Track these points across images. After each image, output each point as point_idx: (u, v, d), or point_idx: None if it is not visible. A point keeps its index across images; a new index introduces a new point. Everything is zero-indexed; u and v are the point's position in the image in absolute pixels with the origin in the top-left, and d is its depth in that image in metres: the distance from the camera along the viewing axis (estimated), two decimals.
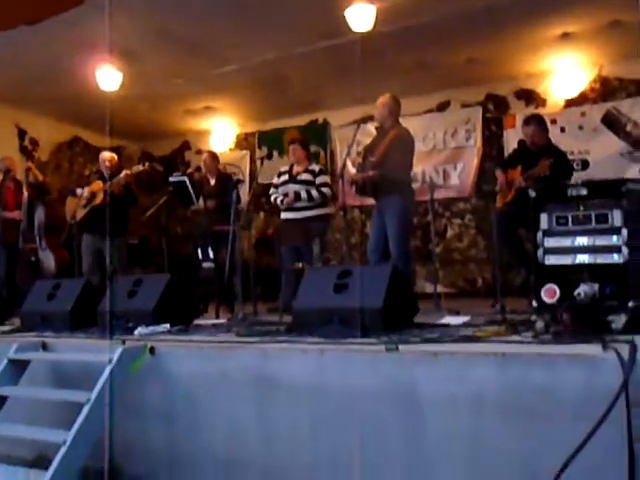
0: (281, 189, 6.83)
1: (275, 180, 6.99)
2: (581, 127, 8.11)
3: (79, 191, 7.41)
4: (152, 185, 10.29)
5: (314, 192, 6.62)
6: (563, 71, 8.26)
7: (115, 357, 3.90)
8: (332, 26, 6.47)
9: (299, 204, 6.65)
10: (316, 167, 6.94)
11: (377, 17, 6.19)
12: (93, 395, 3.73)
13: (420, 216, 8.76)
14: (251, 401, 3.65)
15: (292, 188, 6.71)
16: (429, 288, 7.22)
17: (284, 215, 6.80)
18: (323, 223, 6.70)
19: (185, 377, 3.91)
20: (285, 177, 6.89)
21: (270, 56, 7.37)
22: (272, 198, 6.89)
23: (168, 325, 4.69)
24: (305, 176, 6.77)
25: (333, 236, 9.52)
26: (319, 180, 6.72)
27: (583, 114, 8.14)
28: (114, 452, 3.90)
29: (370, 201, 6.51)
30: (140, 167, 7.44)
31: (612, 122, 6.22)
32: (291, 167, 6.94)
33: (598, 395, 2.69)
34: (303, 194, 6.63)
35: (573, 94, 8.28)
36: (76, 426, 3.61)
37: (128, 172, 7.30)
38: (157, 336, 4.44)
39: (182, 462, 3.86)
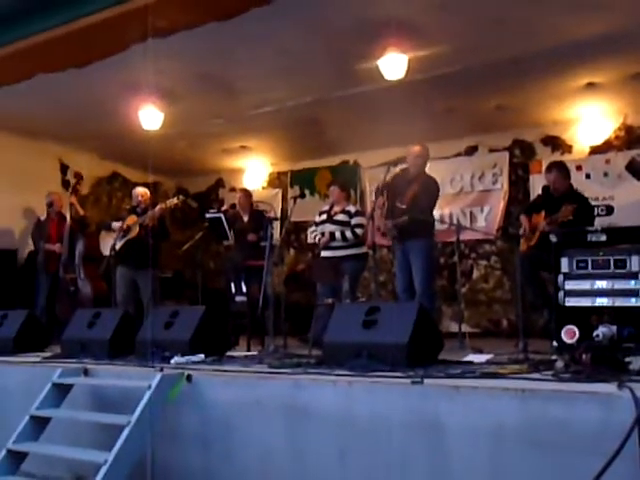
0: (319, 228, 7.14)
1: (316, 218, 7.30)
2: (606, 174, 8.23)
3: (114, 225, 7.69)
4: (186, 221, 10.60)
5: (348, 233, 6.88)
6: (588, 119, 8.41)
7: (154, 383, 4.12)
8: (366, 74, 6.71)
9: (334, 244, 6.93)
10: (352, 208, 7.21)
11: (409, 66, 6.41)
12: (133, 418, 3.94)
13: (446, 257, 8.94)
14: (283, 428, 3.84)
15: (328, 228, 7.01)
16: (454, 327, 7.35)
17: (323, 253, 7.10)
18: (356, 262, 6.89)
19: (220, 404, 4.11)
20: (324, 216, 7.19)
21: (305, 100, 7.64)
22: (312, 236, 7.18)
23: (203, 355, 4.89)
24: (341, 217, 7.04)
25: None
26: (354, 221, 6.98)
27: (608, 161, 8.26)
28: (150, 475, 4.10)
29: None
30: (174, 200, 7.69)
31: (636, 169, 6.36)
32: (331, 207, 7.23)
33: (613, 431, 2.82)
34: (337, 234, 6.91)
35: (598, 141, 8.40)
36: (117, 447, 3.81)
37: (163, 206, 7.56)
38: (193, 365, 4.65)
39: None
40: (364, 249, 6.95)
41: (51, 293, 7.95)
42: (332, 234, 6.93)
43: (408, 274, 6.23)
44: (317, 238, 7.08)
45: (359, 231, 6.91)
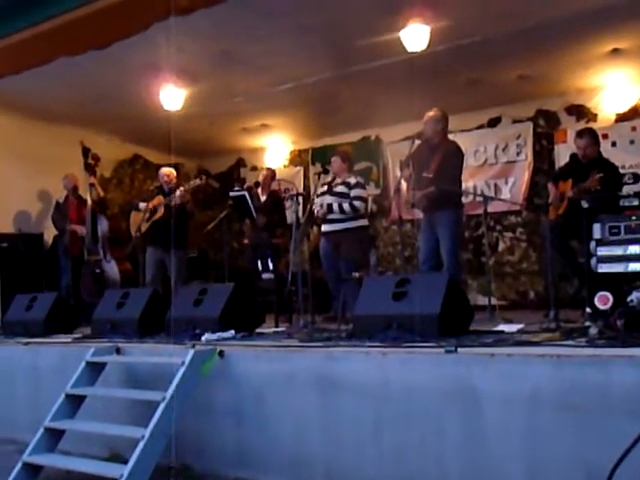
0: (318, 200, 6.89)
1: (318, 191, 7.00)
2: (632, 141, 8.13)
3: (142, 205, 7.72)
4: (208, 201, 10.62)
5: (346, 205, 6.68)
6: (614, 86, 8.29)
7: (187, 359, 4.15)
8: (387, 46, 6.64)
9: (332, 216, 6.76)
10: (353, 180, 6.91)
11: (431, 37, 6.35)
12: (168, 394, 3.97)
13: (472, 229, 8.89)
14: (316, 400, 3.86)
15: (327, 200, 6.81)
16: (481, 300, 7.33)
17: (323, 228, 6.97)
18: (354, 235, 6.74)
19: (253, 378, 4.14)
20: (324, 188, 7.00)
21: (325, 75, 7.59)
22: (313, 209, 6.96)
23: (233, 331, 4.92)
24: (340, 188, 6.84)
25: (386, 249, 9.74)
26: (353, 193, 6.75)
27: (634, 129, 8.16)
28: (184, 450, 4.14)
29: (420, 214, 6.64)
30: (197, 181, 7.66)
31: None
32: (333, 179, 7.05)
33: None
34: (335, 206, 6.72)
35: (624, 109, 8.29)
36: (153, 422, 3.85)
37: (186, 187, 7.56)
38: (224, 341, 4.69)
39: (250, 459, 4.07)
40: (362, 222, 6.84)
41: (75, 275, 7.97)
42: (330, 206, 6.72)
43: (433, 246, 6.15)
44: (316, 211, 6.85)
45: (357, 204, 6.72)
